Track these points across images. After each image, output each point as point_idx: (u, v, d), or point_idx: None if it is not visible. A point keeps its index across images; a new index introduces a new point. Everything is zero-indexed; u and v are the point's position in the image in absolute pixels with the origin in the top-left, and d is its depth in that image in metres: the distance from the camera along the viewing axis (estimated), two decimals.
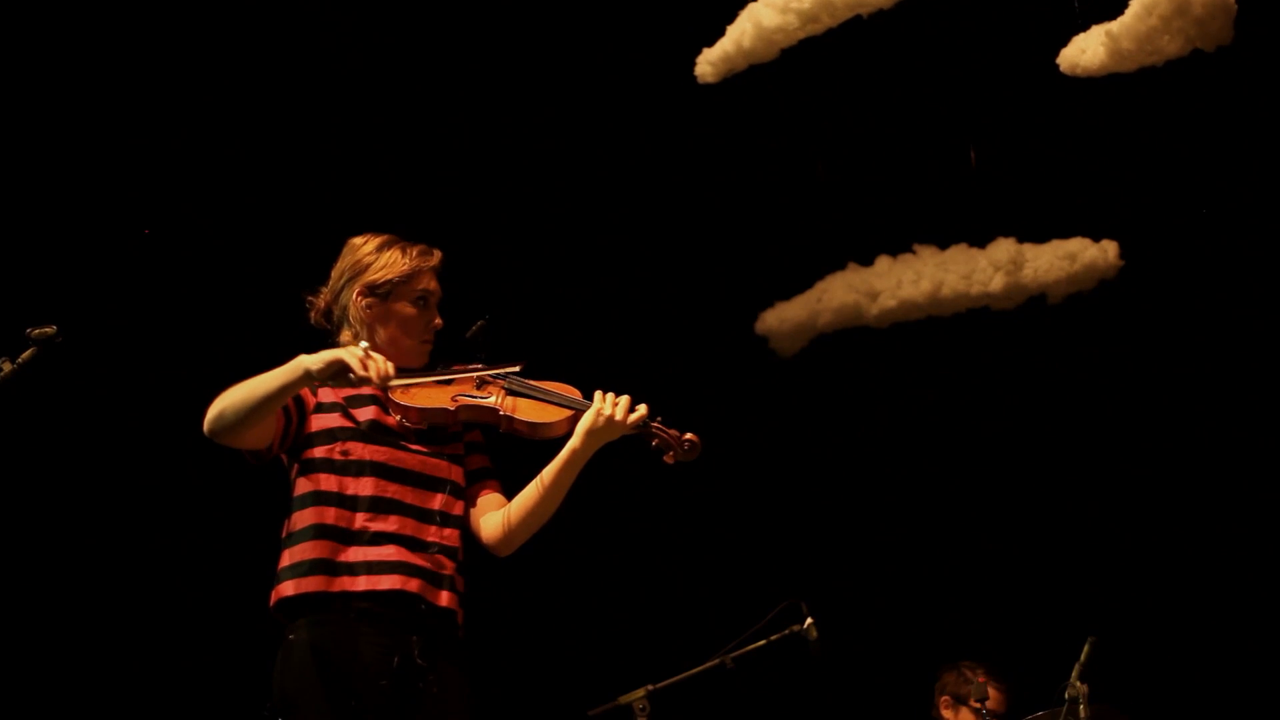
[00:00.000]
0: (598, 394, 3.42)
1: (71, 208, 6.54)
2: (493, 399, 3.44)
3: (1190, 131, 6.60)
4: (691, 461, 3.42)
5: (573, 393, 3.48)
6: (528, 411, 3.42)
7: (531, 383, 3.49)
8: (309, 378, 3.19)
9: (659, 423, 3.42)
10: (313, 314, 3.60)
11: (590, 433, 3.37)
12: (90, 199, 6.58)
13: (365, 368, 3.13)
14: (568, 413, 3.42)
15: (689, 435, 3.42)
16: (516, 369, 3.49)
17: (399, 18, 6.92)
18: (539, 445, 3.48)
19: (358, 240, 3.57)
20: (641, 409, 3.40)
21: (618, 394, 3.41)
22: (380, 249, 3.52)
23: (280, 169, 6.84)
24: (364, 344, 3.19)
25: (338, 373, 3.16)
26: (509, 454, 3.64)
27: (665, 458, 3.41)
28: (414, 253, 3.53)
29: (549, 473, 3.42)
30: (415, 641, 3.29)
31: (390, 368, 3.19)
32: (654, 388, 3.55)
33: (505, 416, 3.40)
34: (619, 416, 3.37)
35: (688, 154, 7.32)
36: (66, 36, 6.42)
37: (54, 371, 3.64)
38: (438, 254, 3.58)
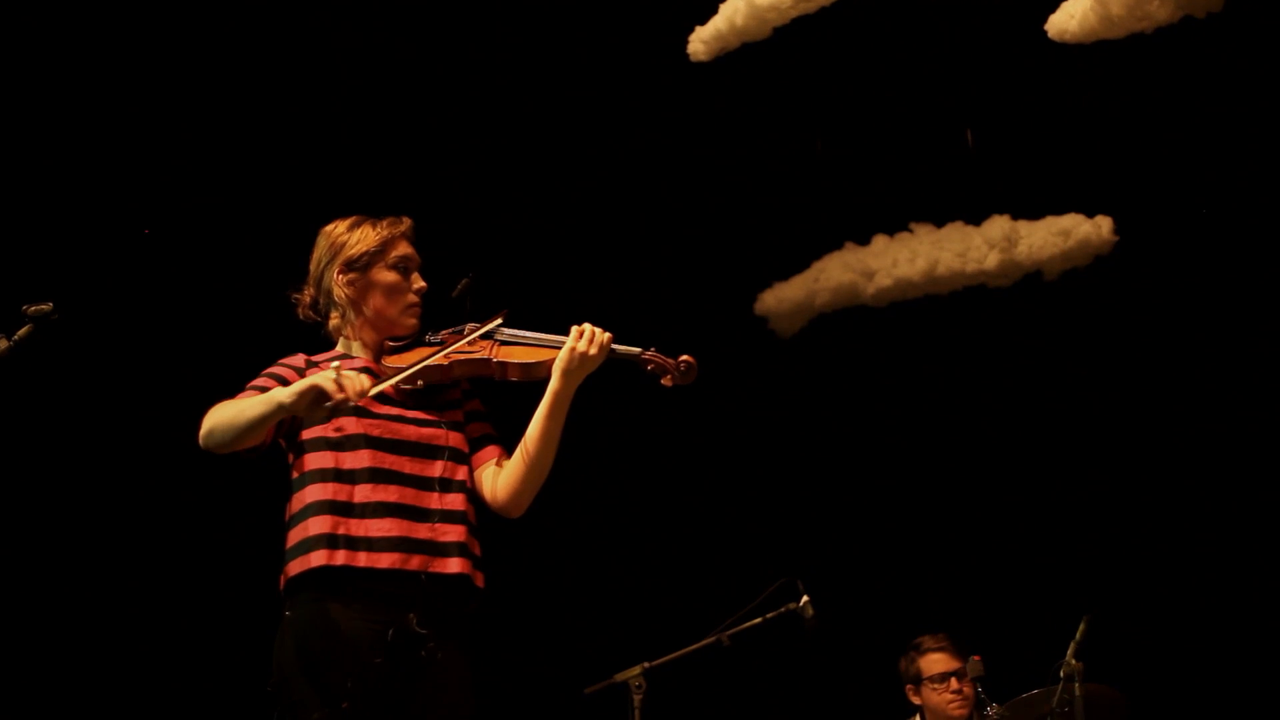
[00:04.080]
0: (574, 329, 3.45)
1: (67, 185, 6.55)
2: (483, 351, 3.48)
3: (1182, 102, 6.58)
4: (690, 384, 3.48)
5: (564, 338, 3.50)
6: (519, 355, 3.48)
7: (519, 331, 3.54)
8: (281, 410, 3.20)
9: (653, 351, 3.49)
10: (300, 309, 3.63)
11: (567, 371, 3.42)
12: (86, 176, 6.58)
13: (341, 388, 3.13)
14: (558, 352, 3.46)
15: (684, 357, 3.49)
16: (499, 320, 3.51)
17: None
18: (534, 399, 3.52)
19: (328, 227, 3.61)
20: (607, 334, 3.44)
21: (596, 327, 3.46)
22: (351, 228, 3.56)
23: (270, 153, 6.84)
24: (335, 364, 3.19)
25: (313, 401, 3.16)
26: (511, 416, 3.67)
27: (663, 381, 3.49)
28: (383, 224, 3.56)
29: (536, 420, 3.45)
30: (413, 616, 3.29)
31: (364, 381, 3.18)
32: (648, 342, 3.56)
33: (499, 364, 3.45)
34: (593, 351, 3.41)
35: (684, 136, 7.31)
36: (59, 21, 6.42)
37: (50, 348, 3.64)
38: (407, 220, 3.61)
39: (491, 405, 3.66)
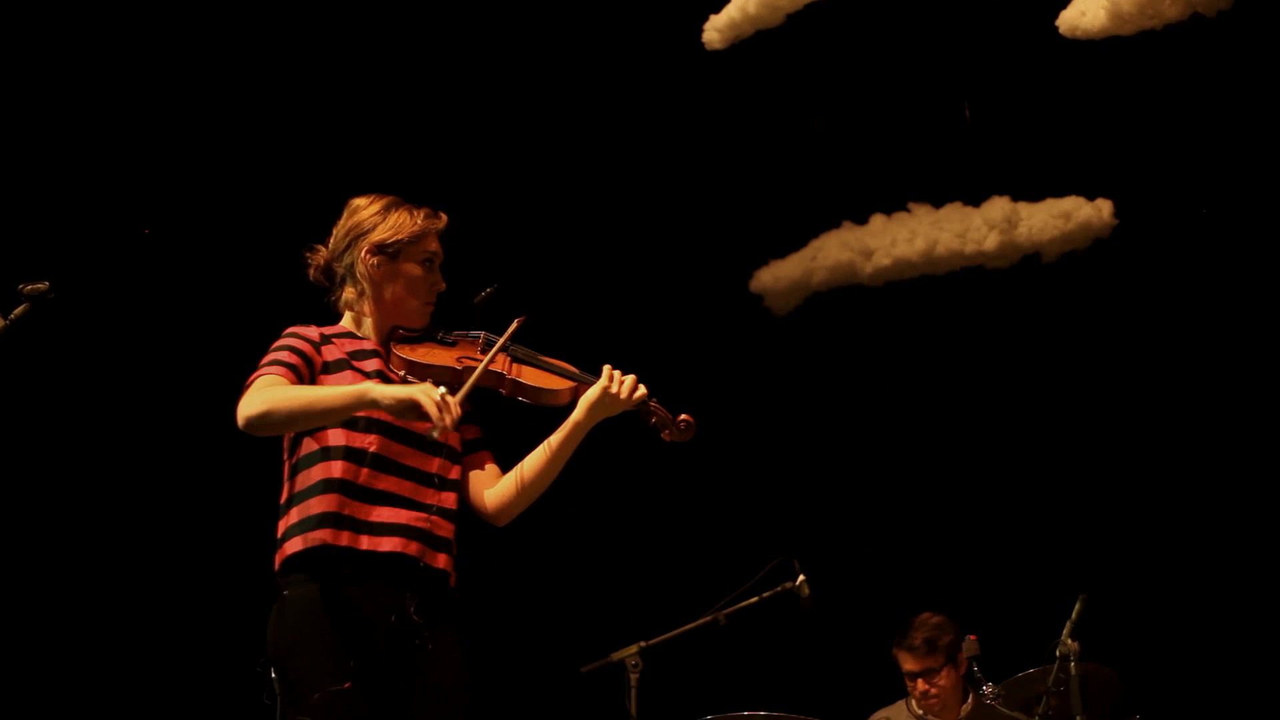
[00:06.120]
0: (605, 369, 3.48)
1: (64, 165, 6.54)
2: (498, 364, 3.46)
3: (1186, 90, 6.58)
4: (686, 441, 3.53)
5: (571, 368, 3.55)
6: (531, 377, 3.48)
7: (533, 352, 3.54)
8: (371, 407, 3.22)
9: (655, 402, 3.52)
10: (311, 270, 3.60)
11: (594, 407, 3.45)
12: (83, 154, 6.57)
13: (441, 416, 3.12)
14: (570, 383, 3.50)
15: (684, 416, 3.53)
16: (515, 325, 3.47)
17: None
18: (533, 416, 3.53)
19: (361, 201, 3.58)
20: (642, 388, 3.48)
21: (624, 372, 3.49)
22: (386, 210, 3.53)
23: (278, 132, 6.83)
24: (441, 389, 3.18)
25: (405, 410, 3.17)
26: (503, 424, 3.66)
27: (663, 434, 3.54)
28: (421, 215, 3.55)
29: (550, 444, 3.48)
30: (411, 599, 3.31)
31: (458, 410, 3.17)
32: (649, 346, 3.58)
33: (511, 381, 3.45)
34: (624, 395, 3.45)
35: (685, 113, 7.30)
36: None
37: (46, 327, 3.64)
38: (444, 217, 3.60)
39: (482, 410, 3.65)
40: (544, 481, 3.50)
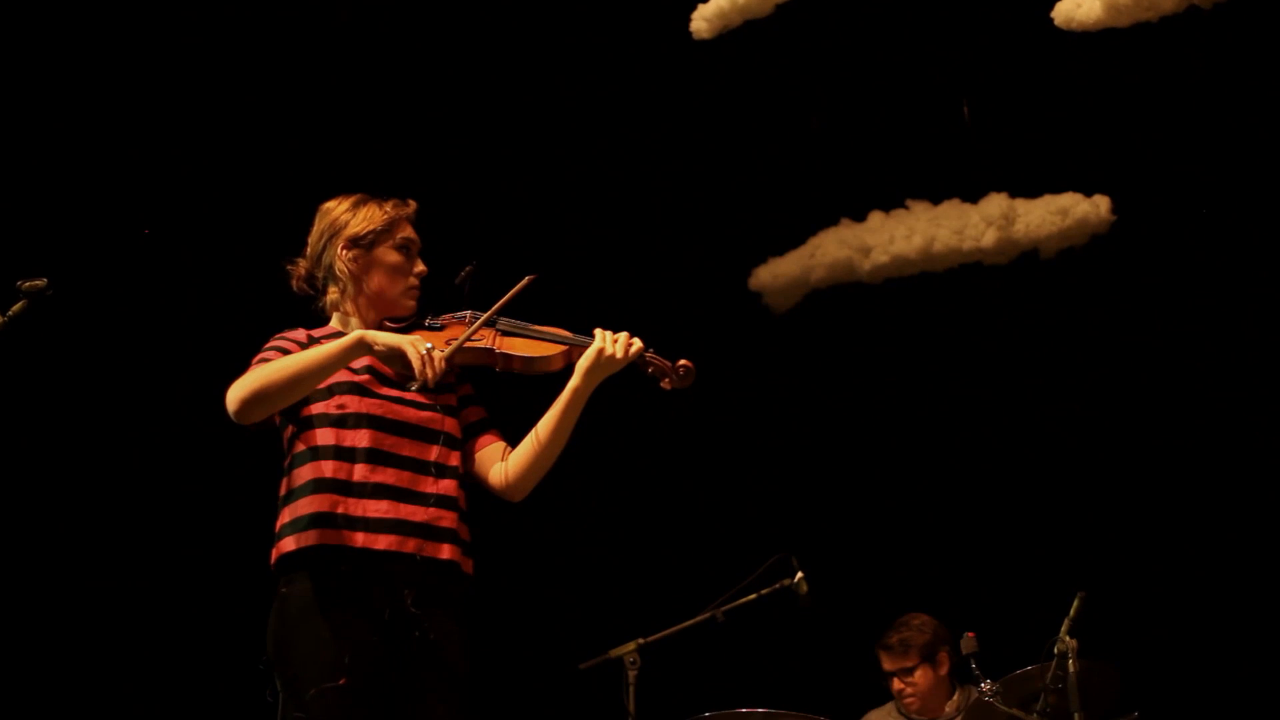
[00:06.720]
0: (598, 332, 3.48)
1: (64, 163, 6.54)
2: (486, 340, 3.47)
3: (1183, 84, 6.58)
4: (687, 387, 3.52)
5: (562, 332, 3.55)
6: (523, 348, 3.48)
7: (522, 322, 3.54)
8: (365, 352, 3.29)
9: (653, 353, 3.51)
10: (294, 281, 3.63)
11: (591, 370, 3.44)
12: (82, 154, 6.58)
13: (424, 368, 3.21)
14: (562, 348, 3.49)
15: (682, 361, 3.52)
16: (527, 281, 3.50)
17: None
18: (536, 390, 3.53)
19: (330, 203, 3.61)
20: (637, 343, 3.47)
21: (614, 330, 3.48)
22: (355, 206, 3.58)
23: (277, 130, 6.83)
24: (428, 345, 3.25)
25: (392, 358, 3.27)
26: (508, 400, 3.67)
27: (662, 384, 3.52)
28: (389, 205, 3.59)
29: (553, 413, 3.47)
30: (409, 594, 3.31)
31: (441, 366, 3.25)
32: (647, 342, 3.56)
33: (501, 355, 3.45)
34: (620, 354, 3.44)
35: (682, 108, 7.29)
36: None
37: (45, 325, 3.64)
38: (413, 204, 3.64)
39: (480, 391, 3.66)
40: (553, 451, 3.48)
